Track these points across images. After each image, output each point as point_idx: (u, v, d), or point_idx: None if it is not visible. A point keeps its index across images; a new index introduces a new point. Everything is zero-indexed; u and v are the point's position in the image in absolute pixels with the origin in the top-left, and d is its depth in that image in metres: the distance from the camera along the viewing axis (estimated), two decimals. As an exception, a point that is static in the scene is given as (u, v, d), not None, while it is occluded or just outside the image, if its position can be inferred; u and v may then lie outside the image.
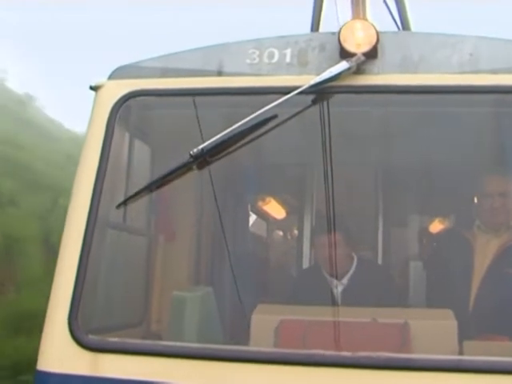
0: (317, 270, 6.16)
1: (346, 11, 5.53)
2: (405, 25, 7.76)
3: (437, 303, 5.57)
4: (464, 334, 4.61)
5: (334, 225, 5.07)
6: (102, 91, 5.19)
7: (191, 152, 4.77)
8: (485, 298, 5.34)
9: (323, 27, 7.33)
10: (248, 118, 4.74)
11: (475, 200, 5.91)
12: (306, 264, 7.47)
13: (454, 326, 4.64)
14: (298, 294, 5.90)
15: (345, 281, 5.94)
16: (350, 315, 4.79)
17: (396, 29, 7.64)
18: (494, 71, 4.83)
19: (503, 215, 5.65)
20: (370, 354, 4.19)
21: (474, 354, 4.31)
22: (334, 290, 5.86)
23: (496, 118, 5.26)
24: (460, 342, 4.57)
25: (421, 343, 4.54)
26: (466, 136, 5.40)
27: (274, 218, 8.47)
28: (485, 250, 5.59)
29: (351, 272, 6.02)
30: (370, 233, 7.30)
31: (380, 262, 7.26)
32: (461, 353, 4.49)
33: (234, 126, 4.75)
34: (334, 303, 5.62)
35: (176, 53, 5.34)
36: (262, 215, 8.45)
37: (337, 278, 5.90)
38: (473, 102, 5.03)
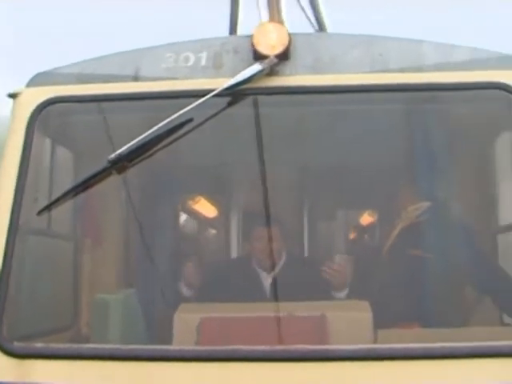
0: (247, 262, 6.32)
1: (262, 14, 5.68)
2: (321, 26, 7.93)
3: (355, 295, 5.77)
4: (379, 324, 4.79)
5: (265, 220, 5.22)
6: (20, 99, 5.20)
7: (109, 157, 4.84)
8: (390, 283, 5.57)
9: (242, 30, 7.44)
10: (164, 122, 4.82)
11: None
12: (234, 258, 7.63)
13: (369, 317, 4.82)
14: (227, 286, 6.00)
15: (273, 274, 6.08)
16: (271, 310, 4.93)
17: (312, 31, 7.80)
18: (403, 70, 5.03)
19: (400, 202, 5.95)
20: (287, 347, 4.36)
21: (388, 342, 4.51)
22: (263, 283, 6.05)
23: (405, 114, 5.48)
24: (375, 331, 4.75)
25: (338, 334, 4.71)
26: (377, 132, 5.58)
27: (202, 216, 8.57)
28: (390, 236, 5.86)
29: (280, 265, 6.17)
30: (296, 228, 7.47)
31: (306, 255, 7.44)
32: (375, 342, 4.67)
33: (150, 131, 4.82)
34: (259, 297, 5.80)
35: (93, 58, 5.38)
36: (191, 214, 8.55)
37: (267, 270, 6.08)
38: (383, 100, 5.20)
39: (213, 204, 8.06)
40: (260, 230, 6.01)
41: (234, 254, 7.67)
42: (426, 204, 5.88)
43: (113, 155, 4.82)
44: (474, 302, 5.74)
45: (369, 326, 4.76)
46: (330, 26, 7.95)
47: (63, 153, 5.72)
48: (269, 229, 5.69)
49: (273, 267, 6.08)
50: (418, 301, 5.35)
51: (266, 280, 6.03)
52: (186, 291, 5.94)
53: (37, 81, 5.28)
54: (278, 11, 5.44)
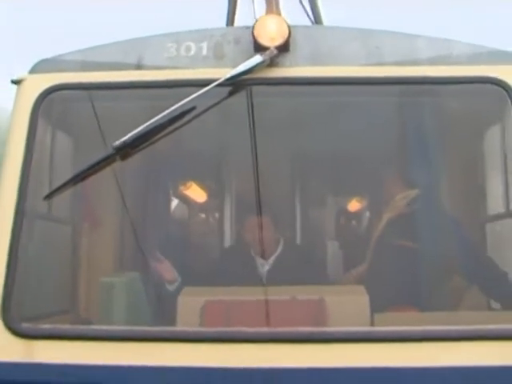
0: (243, 249, 6.45)
1: (260, 7, 5.81)
2: (317, 19, 8.06)
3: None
4: (375, 308, 4.98)
5: (264, 208, 5.36)
6: (24, 85, 5.29)
7: (113, 144, 4.95)
8: (379, 270, 5.76)
9: (238, 22, 7.56)
10: (167, 111, 4.95)
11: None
12: (228, 245, 7.78)
13: (366, 301, 5.00)
14: (224, 273, 6.12)
15: (271, 261, 6.25)
16: (272, 294, 5.08)
17: (309, 23, 7.94)
18: (398, 63, 5.19)
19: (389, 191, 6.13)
20: (288, 329, 4.52)
21: (384, 325, 4.70)
22: (260, 270, 6.21)
23: (399, 105, 5.64)
24: (372, 314, 4.94)
25: (336, 317, 4.89)
26: (372, 123, 5.75)
27: (197, 203, 8.70)
28: (379, 224, 6.04)
29: (277, 253, 6.34)
30: (289, 215, 7.63)
31: (299, 242, 7.61)
32: (372, 324, 4.86)
33: (153, 119, 4.95)
34: (259, 282, 5.95)
35: (97, 46, 5.48)
36: (186, 200, 8.67)
37: (264, 258, 6.22)
38: (377, 92, 5.35)
39: (209, 190, 8.19)
40: (254, 218, 6.13)
41: (227, 240, 7.78)
42: (414, 192, 6.07)
43: (117, 142, 4.94)
44: (463, 288, 5.95)
45: (366, 309, 4.94)
46: (326, 21, 8.08)
47: (65, 139, 5.82)
48: (262, 218, 5.75)
49: (269, 254, 6.24)
50: (410, 286, 5.52)
51: (263, 267, 6.18)
52: (170, 287, 5.96)
53: (40, 67, 5.37)
54: (276, 4, 5.55)
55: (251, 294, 5.12)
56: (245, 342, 4.48)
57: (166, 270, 5.91)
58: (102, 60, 5.34)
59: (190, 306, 5.01)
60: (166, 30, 5.55)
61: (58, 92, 5.29)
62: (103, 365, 4.46)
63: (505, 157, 5.33)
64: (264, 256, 6.21)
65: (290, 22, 5.23)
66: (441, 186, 6.10)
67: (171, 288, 5.85)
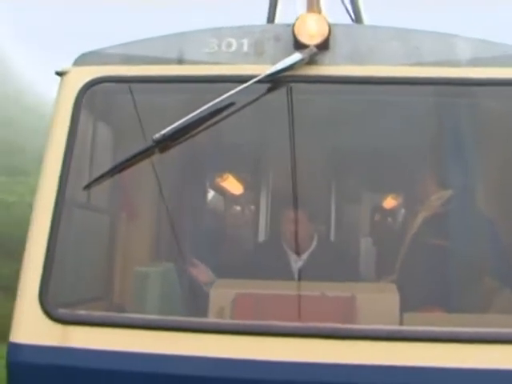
0: (277, 244, 6.47)
1: (301, 5, 5.85)
2: (357, 17, 8.07)
3: (383, 277, 5.98)
4: (406, 307, 5.01)
5: (300, 203, 5.41)
6: (67, 77, 5.41)
7: (154, 137, 5.05)
8: (412, 270, 5.78)
9: (279, 20, 7.60)
10: (207, 105, 5.02)
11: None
12: (262, 238, 7.85)
13: (396, 299, 5.04)
14: (257, 267, 6.16)
15: (304, 257, 6.26)
16: (303, 289, 5.15)
17: (350, 21, 7.96)
18: (437, 64, 5.19)
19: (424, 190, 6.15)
20: (319, 325, 4.58)
21: (413, 325, 4.74)
22: (293, 265, 6.24)
23: (438, 106, 5.65)
24: (401, 313, 4.97)
25: (366, 315, 4.94)
26: (410, 122, 5.77)
27: (233, 195, 8.79)
28: (413, 223, 6.06)
29: (311, 249, 6.35)
30: (324, 210, 7.67)
31: (333, 238, 7.65)
32: (401, 323, 4.90)
33: (194, 113, 5.03)
34: (290, 278, 5.99)
35: (139, 40, 5.57)
36: (222, 192, 8.77)
37: (297, 253, 6.24)
38: (416, 92, 5.37)
39: (245, 183, 8.27)
40: (289, 213, 6.17)
41: (262, 234, 7.85)
42: (449, 192, 6.08)
43: (157, 135, 5.03)
44: (496, 290, 5.94)
45: (395, 308, 4.98)
46: (367, 20, 8.08)
47: (106, 131, 5.94)
48: (300, 212, 5.83)
49: (303, 250, 6.26)
50: (439, 286, 5.54)
51: (296, 263, 6.21)
52: (206, 288, 5.90)
53: (84, 60, 5.48)
54: (317, 2, 5.58)
55: (282, 289, 5.20)
56: (273, 336, 4.54)
57: (202, 273, 5.96)
58: (143, 54, 5.42)
59: (222, 298, 5.10)
60: (210, 26, 5.62)
61: (101, 84, 5.38)
62: (134, 352, 4.57)
63: None
64: (298, 251, 6.25)
65: (331, 21, 5.27)
66: (476, 188, 6.10)
67: (208, 289, 5.94)
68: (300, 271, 6.11)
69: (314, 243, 6.37)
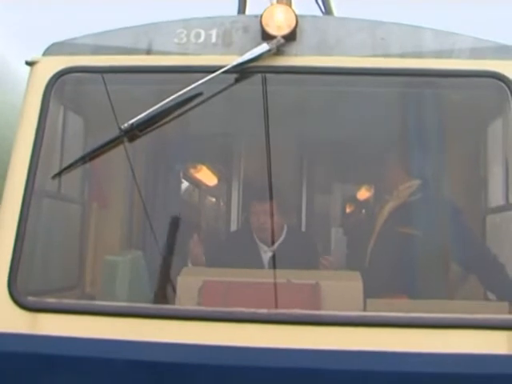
0: (248, 234, 6.56)
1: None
2: (328, 9, 8.13)
3: (349, 266, 6.08)
4: (369, 293, 5.11)
5: (270, 194, 5.48)
6: (37, 67, 5.42)
7: (122, 126, 5.10)
8: (381, 258, 5.88)
9: (251, 10, 7.63)
10: (175, 95, 5.08)
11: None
12: (233, 229, 7.91)
13: (359, 286, 5.13)
14: (227, 257, 6.26)
15: (274, 247, 6.34)
16: (269, 277, 5.23)
17: (320, 13, 8.01)
18: (403, 55, 5.27)
19: (393, 179, 6.25)
20: (284, 311, 4.66)
21: (375, 311, 4.83)
22: (263, 256, 6.34)
23: (402, 97, 5.74)
24: (364, 300, 5.07)
25: (330, 302, 5.03)
26: (376, 113, 5.85)
27: (205, 185, 8.85)
28: (382, 212, 6.15)
29: (281, 240, 6.45)
30: (295, 201, 7.76)
31: (303, 228, 7.74)
32: (364, 310, 4.99)
33: (161, 103, 5.08)
34: (259, 267, 6.11)
35: (108, 31, 5.59)
36: (194, 182, 8.82)
37: (267, 244, 6.35)
38: (382, 83, 5.44)
39: (214, 173, 8.32)
40: (259, 204, 6.25)
41: (233, 224, 7.91)
42: (417, 182, 6.18)
43: (125, 124, 5.09)
44: (461, 278, 6.06)
45: (359, 294, 5.07)
46: (336, 11, 8.14)
47: (76, 120, 5.98)
48: (268, 203, 5.89)
49: (273, 241, 6.34)
50: (407, 274, 5.65)
51: (266, 253, 6.31)
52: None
53: (53, 50, 5.50)
54: None
55: (249, 276, 5.27)
56: (240, 322, 4.62)
57: (199, 256, 6.09)
58: (113, 44, 5.45)
59: (189, 285, 5.16)
60: (177, 12, 5.66)
61: (71, 74, 5.41)
62: (103, 339, 4.61)
63: (505, 150, 5.42)
64: (267, 242, 6.33)
65: (301, 12, 5.33)
66: (442, 177, 6.21)
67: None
68: (270, 261, 6.20)
69: (284, 234, 6.43)
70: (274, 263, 6.10)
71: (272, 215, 6.06)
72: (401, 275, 5.66)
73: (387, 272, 5.72)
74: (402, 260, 5.77)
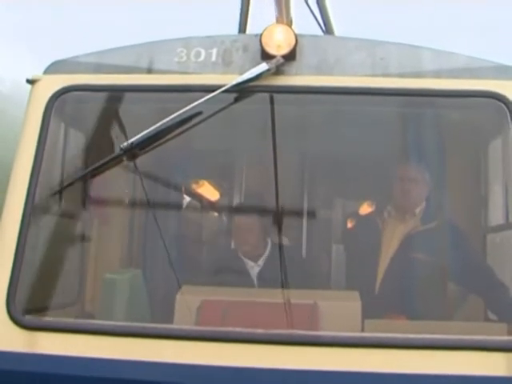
0: (234, 251, 6.54)
1: (271, 14, 5.92)
2: (328, 28, 8.15)
3: (347, 285, 6.06)
4: (368, 314, 5.09)
5: (252, 211, 5.47)
6: (38, 85, 5.46)
7: (121, 146, 5.12)
8: (389, 281, 5.85)
9: (251, 29, 7.67)
10: (175, 114, 5.10)
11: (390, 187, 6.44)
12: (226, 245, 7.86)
13: (358, 307, 5.12)
14: (218, 275, 6.22)
15: (260, 263, 6.31)
16: (266, 296, 5.23)
17: (320, 31, 8.03)
18: (402, 75, 5.29)
19: (411, 200, 6.16)
20: (282, 332, 4.66)
21: (373, 332, 4.81)
22: (250, 272, 6.31)
23: (402, 116, 5.75)
24: (363, 320, 5.05)
25: (328, 322, 5.01)
26: (375, 132, 5.86)
27: (207, 202, 8.84)
28: (392, 236, 6.10)
29: (266, 255, 6.35)
30: (295, 217, 7.72)
31: (304, 243, 7.70)
32: (363, 330, 4.97)
33: (161, 122, 5.10)
34: (250, 284, 6.10)
35: (110, 49, 5.64)
36: (196, 199, 8.81)
37: (252, 260, 6.31)
38: (382, 103, 5.45)
39: (221, 189, 8.32)
40: (239, 220, 6.22)
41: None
42: (424, 205, 6.15)
43: (125, 143, 5.11)
44: (461, 298, 6.04)
45: (357, 315, 5.06)
46: (337, 28, 8.17)
47: (76, 138, 5.99)
48: (248, 219, 5.94)
49: (258, 256, 6.31)
50: (406, 294, 5.63)
51: (253, 269, 6.27)
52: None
53: (54, 68, 5.55)
54: (287, 12, 5.63)
55: (246, 296, 5.27)
56: (238, 342, 4.62)
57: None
58: (114, 63, 5.49)
59: (188, 304, 5.16)
60: (179, 32, 5.68)
61: (71, 93, 5.45)
62: (101, 358, 4.60)
63: (505, 170, 5.42)
64: (252, 258, 6.30)
65: (301, 31, 5.37)
66: (442, 196, 6.20)
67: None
68: (258, 277, 6.20)
69: (268, 250, 6.37)
70: (262, 279, 6.14)
71: (250, 231, 6.14)
72: (398, 296, 5.64)
73: (386, 292, 5.71)
74: (398, 280, 5.74)
